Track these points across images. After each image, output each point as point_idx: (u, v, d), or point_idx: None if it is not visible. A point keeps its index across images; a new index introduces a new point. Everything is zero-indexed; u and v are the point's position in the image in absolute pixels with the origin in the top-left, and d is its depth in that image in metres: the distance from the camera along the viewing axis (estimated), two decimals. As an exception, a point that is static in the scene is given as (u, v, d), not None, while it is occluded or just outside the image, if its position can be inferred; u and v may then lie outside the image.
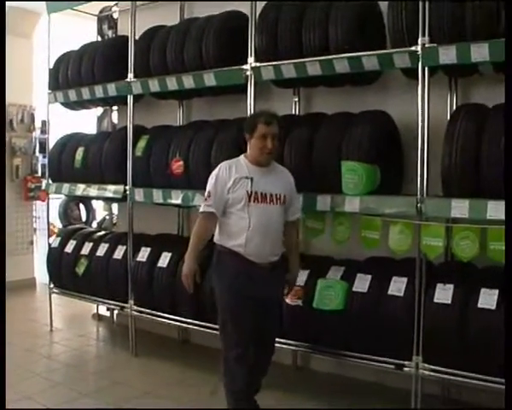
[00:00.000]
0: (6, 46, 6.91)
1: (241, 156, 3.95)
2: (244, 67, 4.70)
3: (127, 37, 5.66)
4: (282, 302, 4.27)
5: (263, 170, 3.89)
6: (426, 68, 3.89)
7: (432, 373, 3.91)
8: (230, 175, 3.82)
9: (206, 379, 4.85)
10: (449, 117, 4.14)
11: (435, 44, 3.82)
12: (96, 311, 6.88)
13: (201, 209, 3.89)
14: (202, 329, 4.99)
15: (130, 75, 5.52)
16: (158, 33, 5.47)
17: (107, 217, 9.39)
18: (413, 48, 3.90)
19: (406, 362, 3.99)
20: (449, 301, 3.80)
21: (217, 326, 4.82)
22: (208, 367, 5.04)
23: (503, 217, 3.50)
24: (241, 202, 3.79)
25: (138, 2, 5.70)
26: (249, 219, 3.77)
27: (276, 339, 4.21)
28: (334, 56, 4.22)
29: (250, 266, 3.81)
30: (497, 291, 3.68)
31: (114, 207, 7.55)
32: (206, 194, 3.88)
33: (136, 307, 5.46)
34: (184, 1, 6.07)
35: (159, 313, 5.29)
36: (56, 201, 10.09)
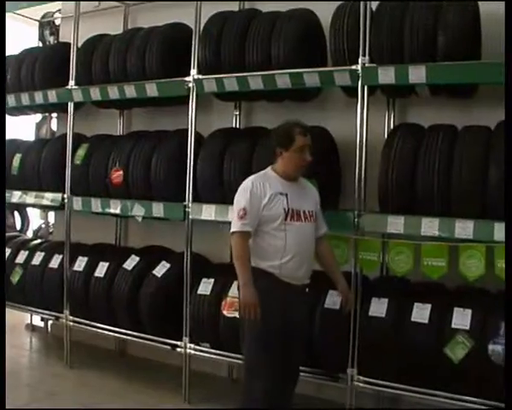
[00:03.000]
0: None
1: (269, 170, 3.69)
2: (186, 78, 4.71)
3: (69, 44, 5.60)
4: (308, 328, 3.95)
5: (294, 185, 3.66)
6: (365, 87, 3.99)
7: (366, 385, 3.97)
8: (265, 191, 3.54)
9: (143, 391, 4.81)
10: (386, 135, 4.27)
11: (375, 65, 3.93)
12: (29, 321, 6.71)
13: (236, 228, 3.53)
14: (140, 340, 4.95)
15: (72, 82, 5.44)
16: (101, 41, 5.44)
17: (44, 225, 9.21)
18: (353, 67, 4.00)
19: (341, 374, 4.05)
20: (383, 315, 3.88)
21: (154, 337, 4.83)
22: (145, 379, 4.99)
23: (436, 233, 3.64)
24: (276, 220, 3.52)
25: (82, 10, 5.62)
26: (285, 239, 3.52)
27: (212, 350, 4.18)
28: (277, 72, 4.28)
29: (285, 289, 3.55)
30: (429, 305, 3.78)
31: (50, 215, 7.40)
32: (239, 211, 3.53)
33: (71, 318, 5.36)
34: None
35: (95, 324, 5.21)
36: (-10, 207, 9.82)
